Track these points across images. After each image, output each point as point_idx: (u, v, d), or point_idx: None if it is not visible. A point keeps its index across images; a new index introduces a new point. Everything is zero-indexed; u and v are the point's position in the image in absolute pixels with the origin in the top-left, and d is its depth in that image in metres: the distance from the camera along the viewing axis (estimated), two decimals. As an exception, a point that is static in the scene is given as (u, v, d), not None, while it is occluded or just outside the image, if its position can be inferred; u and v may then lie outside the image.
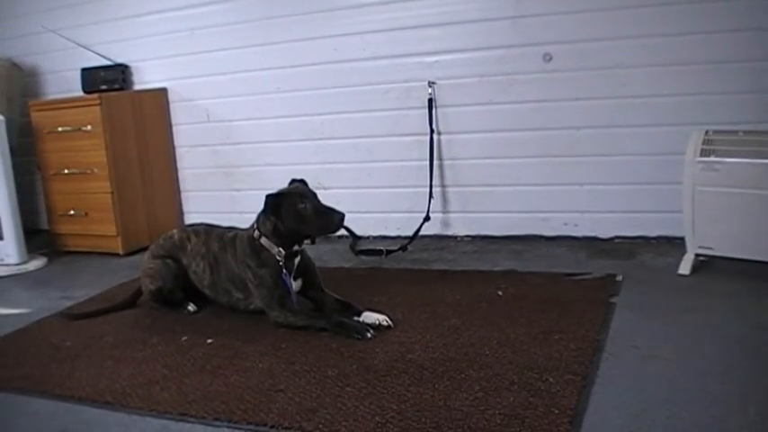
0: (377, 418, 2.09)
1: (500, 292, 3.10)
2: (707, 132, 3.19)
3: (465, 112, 4.06)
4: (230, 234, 3.17)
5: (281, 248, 2.95)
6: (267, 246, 2.97)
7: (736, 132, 3.16)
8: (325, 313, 2.97)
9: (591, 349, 2.45)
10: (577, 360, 2.37)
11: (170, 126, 4.91)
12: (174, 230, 3.38)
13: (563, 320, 2.73)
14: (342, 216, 2.90)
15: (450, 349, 2.55)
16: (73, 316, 3.30)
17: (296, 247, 3.00)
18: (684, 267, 3.23)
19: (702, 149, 3.14)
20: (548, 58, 3.84)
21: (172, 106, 4.89)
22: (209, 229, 3.30)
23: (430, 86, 4.07)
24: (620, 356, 2.41)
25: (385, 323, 2.83)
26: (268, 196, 2.94)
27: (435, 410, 2.11)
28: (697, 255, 3.24)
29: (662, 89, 3.64)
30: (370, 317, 2.87)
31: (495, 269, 3.50)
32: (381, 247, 4.01)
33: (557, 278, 3.28)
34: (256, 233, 3.01)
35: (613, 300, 2.94)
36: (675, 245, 3.36)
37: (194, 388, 2.42)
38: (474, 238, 4.16)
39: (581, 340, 2.53)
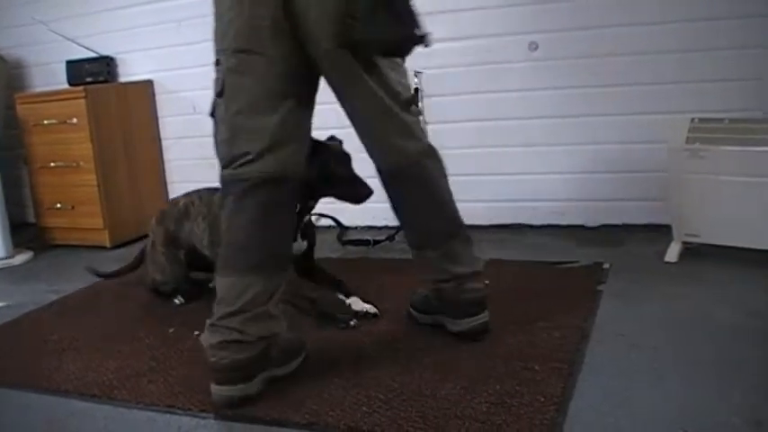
0: (363, 408, 2.10)
1: (486, 281, 3.09)
2: (693, 120, 3.20)
3: (452, 102, 4.05)
4: None
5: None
6: None
7: (722, 120, 3.17)
8: (313, 297, 2.93)
9: (577, 337, 2.46)
10: (563, 348, 2.38)
11: (156, 118, 4.89)
12: (181, 197, 3.37)
13: (549, 309, 2.73)
14: (371, 192, 2.80)
15: (437, 338, 2.55)
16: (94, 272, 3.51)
17: (309, 203, 2.93)
18: (671, 255, 3.24)
19: (688, 137, 3.15)
20: (533, 47, 3.84)
21: (158, 98, 4.87)
22: (213, 190, 3.18)
23: (416, 76, 4.05)
24: (607, 344, 2.42)
25: (372, 311, 2.83)
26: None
27: (422, 400, 2.12)
28: (684, 242, 3.26)
29: (648, 77, 3.65)
30: (357, 303, 2.86)
31: (482, 258, 3.49)
32: (369, 237, 4.01)
33: (543, 267, 3.29)
34: None
35: (600, 288, 2.94)
36: (662, 233, 3.37)
37: (181, 380, 2.42)
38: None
39: (567, 328, 2.54)
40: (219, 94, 2.23)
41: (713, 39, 3.50)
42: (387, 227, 4.21)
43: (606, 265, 3.20)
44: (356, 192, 2.84)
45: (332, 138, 3.02)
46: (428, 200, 2.49)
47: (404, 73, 2.44)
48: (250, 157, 2.18)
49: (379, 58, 2.28)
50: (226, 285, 2.22)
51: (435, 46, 3.95)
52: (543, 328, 2.55)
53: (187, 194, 3.37)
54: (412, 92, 2.46)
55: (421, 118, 2.64)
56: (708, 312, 2.63)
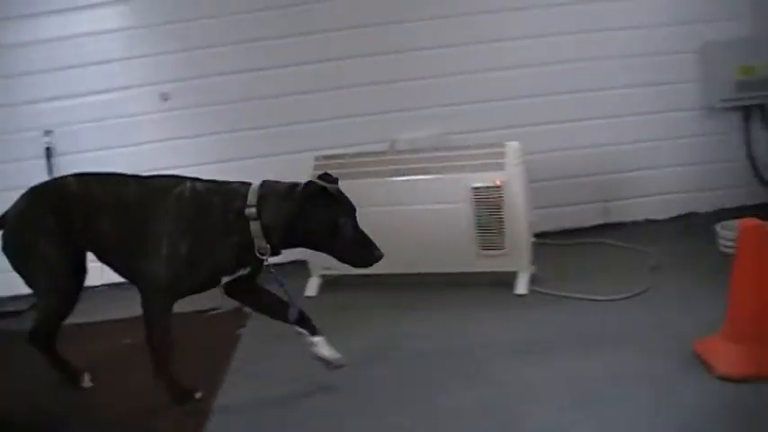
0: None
1: (128, 340, 3.01)
2: (317, 158, 3.36)
3: (88, 159, 3.87)
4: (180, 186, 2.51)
5: (269, 245, 2.33)
6: (254, 233, 2.30)
7: (343, 156, 3.37)
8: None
9: (212, 382, 2.49)
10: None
11: None
12: (70, 177, 2.59)
13: (190, 358, 2.70)
14: (381, 257, 2.34)
15: (69, 406, 2.44)
16: None
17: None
18: (311, 289, 3.38)
19: (314, 174, 3.28)
20: (165, 97, 3.84)
21: None
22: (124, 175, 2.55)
23: (47, 135, 3.89)
24: (239, 385, 2.49)
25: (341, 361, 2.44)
26: (313, 183, 2.33)
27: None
28: (321, 275, 3.40)
29: (276, 120, 3.84)
30: (322, 347, 2.42)
31: (127, 316, 3.38)
32: (12, 308, 3.74)
33: (188, 316, 3.21)
34: (251, 211, 2.29)
35: (240, 331, 2.99)
36: (305, 268, 3.48)
37: None
38: (110, 286, 3.99)
39: (204, 375, 2.55)
40: None
41: (335, 78, 3.75)
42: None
43: (247, 309, 3.24)
44: (363, 254, 2.36)
45: (325, 176, 2.49)
46: None
47: None
48: None
49: None
50: None
51: (66, 102, 3.90)
52: (183, 378, 2.50)
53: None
54: None
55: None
56: (342, 341, 2.73)
